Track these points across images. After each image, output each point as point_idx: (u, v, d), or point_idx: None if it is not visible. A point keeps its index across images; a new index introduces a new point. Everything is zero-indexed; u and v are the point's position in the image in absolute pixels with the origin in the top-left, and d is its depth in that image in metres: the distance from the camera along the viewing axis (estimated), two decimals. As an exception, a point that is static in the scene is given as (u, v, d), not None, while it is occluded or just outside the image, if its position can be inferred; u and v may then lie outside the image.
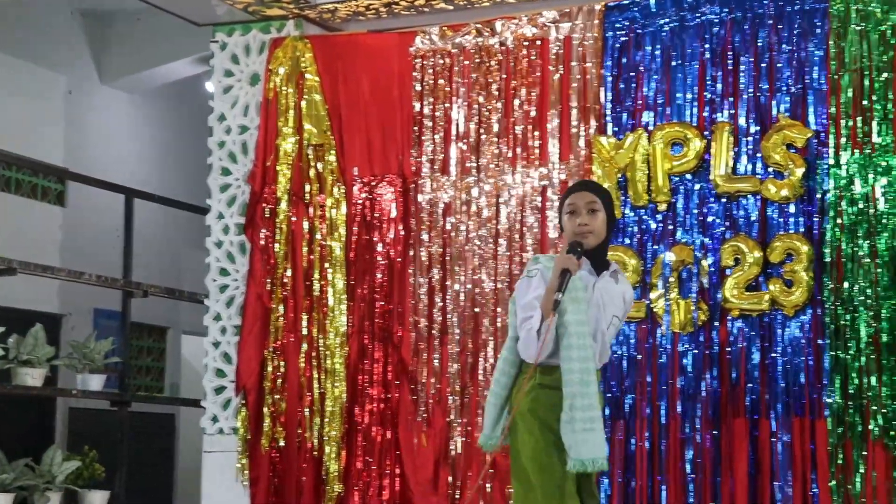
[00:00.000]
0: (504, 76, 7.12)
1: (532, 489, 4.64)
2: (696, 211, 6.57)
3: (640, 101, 6.79)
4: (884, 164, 6.18)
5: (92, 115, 10.43)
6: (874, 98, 6.24)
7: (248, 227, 7.57)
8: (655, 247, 6.63)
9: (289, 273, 7.45)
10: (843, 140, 6.27)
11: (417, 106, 7.30)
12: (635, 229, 6.69)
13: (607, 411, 6.56)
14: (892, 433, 6.02)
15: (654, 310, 6.56)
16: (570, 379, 4.59)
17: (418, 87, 7.31)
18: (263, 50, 7.69)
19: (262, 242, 7.50)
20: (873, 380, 6.07)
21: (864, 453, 6.07)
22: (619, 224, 6.70)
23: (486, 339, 6.99)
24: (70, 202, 10.19)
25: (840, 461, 6.11)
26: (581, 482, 4.68)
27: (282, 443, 7.37)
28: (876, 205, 6.17)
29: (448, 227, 7.17)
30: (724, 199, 6.51)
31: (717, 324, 6.44)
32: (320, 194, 7.45)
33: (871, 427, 6.06)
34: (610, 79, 6.86)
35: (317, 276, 7.40)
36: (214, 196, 7.74)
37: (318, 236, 7.42)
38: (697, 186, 6.59)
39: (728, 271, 6.41)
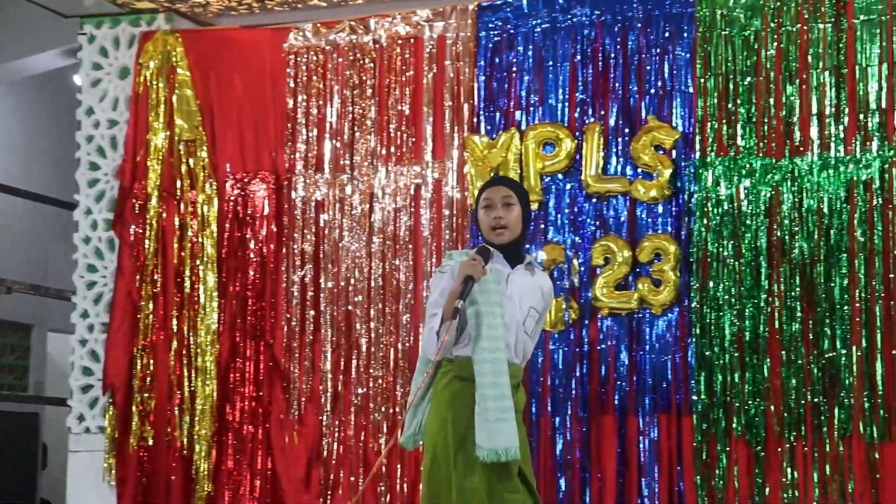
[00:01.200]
0: (378, 74, 7.13)
1: (437, 466, 4.63)
2: (567, 210, 6.65)
3: (512, 101, 6.86)
4: (747, 166, 6.34)
5: (-45, 106, 10.16)
6: (738, 102, 6.40)
7: (116, 223, 7.45)
8: (527, 246, 6.68)
9: (159, 270, 7.35)
10: (709, 142, 6.41)
11: (291, 103, 7.26)
12: (507, 228, 6.74)
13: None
14: (754, 430, 6.19)
15: (526, 308, 6.61)
16: (481, 370, 4.57)
17: (292, 84, 7.27)
18: (133, 43, 7.57)
19: (132, 239, 7.39)
20: (736, 377, 6.23)
21: (728, 450, 6.23)
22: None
23: (359, 337, 6.99)
24: (-69, 196, 9.91)
25: (705, 457, 6.26)
26: (498, 476, 4.58)
27: (150, 442, 7.28)
28: (740, 206, 6.33)
29: (321, 224, 7.15)
30: (594, 199, 6.61)
31: (587, 322, 6.54)
32: (192, 190, 7.37)
33: (734, 424, 6.22)
34: (483, 78, 6.91)
35: (188, 273, 7.32)
36: (82, 191, 7.60)
37: (190, 233, 7.34)
38: (569, 186, 6.67)
39: (598, 270, 6.52)
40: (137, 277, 7.37)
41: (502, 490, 4.54)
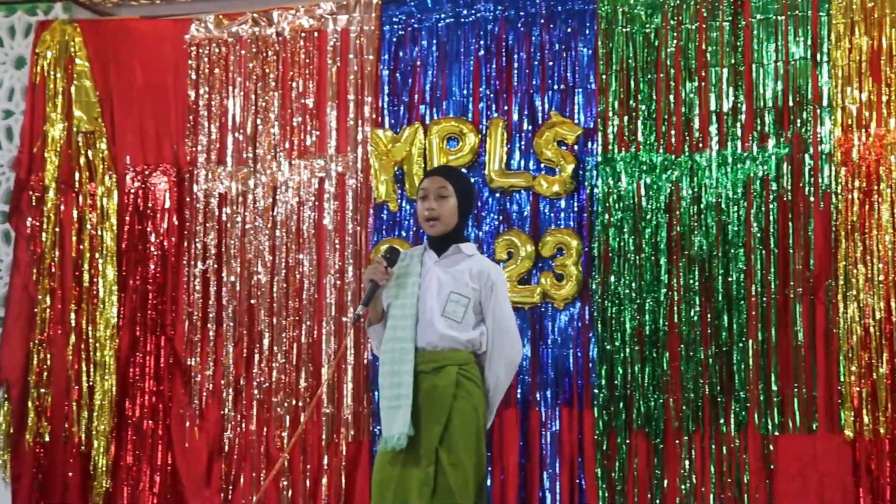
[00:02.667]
0: (281, 67, 7.09)
1: None
2: (470, 205, 6.68)
3: (416, 96, 6.87)
4: (648, 162, 6.43)
5: None
6: (640, 98, 6.48)
7: (12, 215, 7.32)
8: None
9: (57, 263, 7.24)
10: (610, 138, 6.49)
11: (193, 95, 7.19)
12: (411, 222, 6.76)
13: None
14: (653, 423, 6.29)
15: (429, 302, 6.64)
16: (381, 360, 4.69)
17: (193, 76, 7.20)
18: (30, 32, 7.44)
19: (29, 232, 7.27)
20: (636, 370, 6.32)
21: (628, 442, 6.32)
22: (395, 217, 6.76)
23: (262, 332, 6.95)
24: None
25: (605, 449, 6.34)
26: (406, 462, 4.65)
27: (47, 438, 7.18)
28: (640, 202, 6.42)
29: (224, 218, 7.10)
30: (498, 194, 6.65)
31: (490, 316, 6.57)
32: (91, 183, 7.26)
33: (634, 417, 6.31)
34: (387, 72, 6.91)
35: (87, 266, 7.22)
36: (-23, 183, 7.47)
37: (89, 226, 7.24)
38: (472, 180, 6.69)
39: (501, 265, 6.56)
40: (34, 271, 7.26)
41: (394, 476, 4.62)
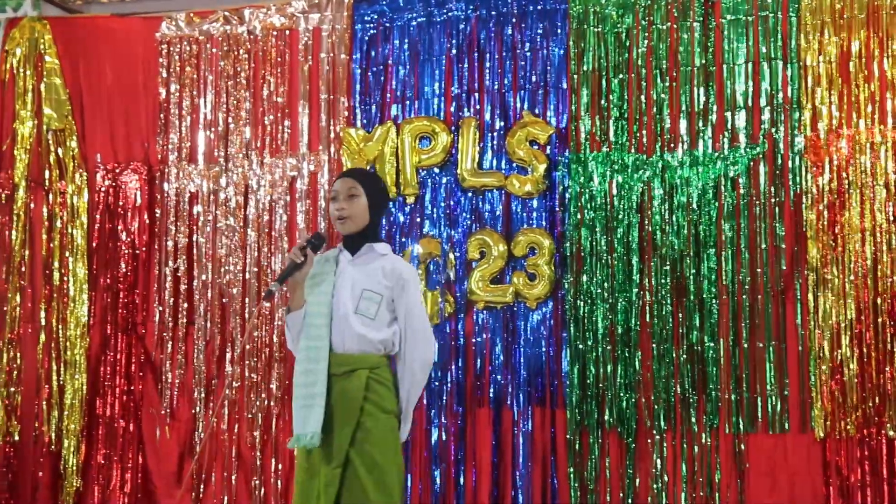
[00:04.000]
0: (253, 65, 7.07)
1: None
2: (443, 204, 6.69)
3: (388, 94, 6.87)
4: (620, 161, 6.45)
5: None
6: (612, 98, 6.50)
7: (-19, 213, 7.29)
8: (403, 239, 6.73)
9: (26, 261, 7.20)
10: (582, 137, 6.51)
11: (164, 93, 7.17)
12: (384, 221, 6.76)
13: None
14: (625, 422, 6.31)
15: (402, 301, 6.64)
16: (297, 358, 4.77)
17: (164, 74, 7.17)
18: (-1, 29, 7.40)
19: (-3, 230, 7.24)
20: (609, 370, 6.35)
21: (600, 441, 6.35)
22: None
23: (233, 330, 6.94)
24: None
25: (578, 449, 6.37)
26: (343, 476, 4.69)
27: (17, 437, 7.14)
28: (612, 201, 6.44)
29: (195, 216, 7.08)
30: (470, 193, 6.66)
31: (462, 315, 6.59)
32: (61, 181, 7.23)
33: (606, 416, 6.34)
34: (359, 71, 6.91)
35: (57, 264, 7.19)
36: (-54, 180, 7.42)
37: (59, 224, 7.20)
38: (445, 180, 6.71)
39: (474, 264, 6.57)
40: (3, 269, 7.22)
41: (311, 481, 4.70)
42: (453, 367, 6.57)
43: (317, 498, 4.65)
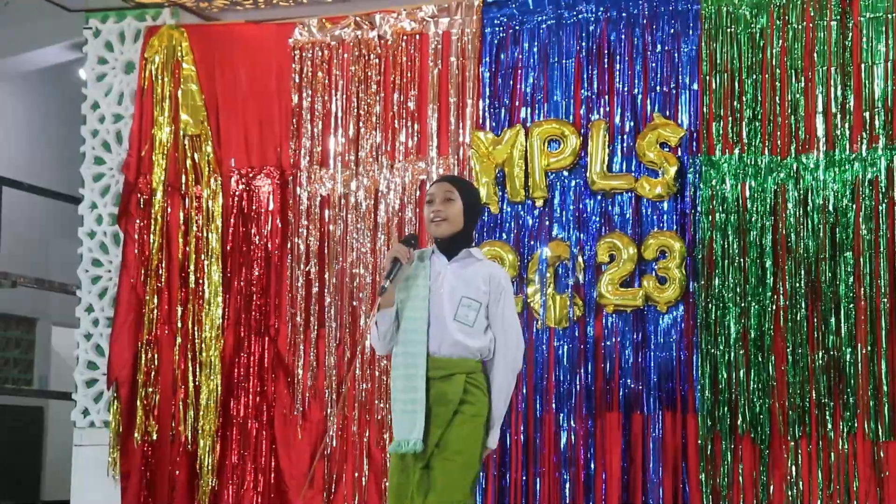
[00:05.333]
0: (383, 70, 7.12)
1: None
2: (572, 207, 6.66)
3: (517, 98, 6.85)
4: (753, 163, 6.34)
5: (-41, 100, 10.16)
6: (744, 99, 6.39)
7: (121, 217, 7.46)
8: (532, 242, 6.71)
9: (164, 264, 7.35)
10: (714, 140, 6.41)
11: (296, 98, 7.26)
12: (512, 225, 6.75)
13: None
14: (759, 428, 6.19)
15: (531, 305, 6.63)
16: (394, 363, 4.82)
17: (297, 79, 7.27)
18: (138, 38, 7.58)
19: (136, 233, 7.40)
20: (741, 375, 6.23)
21: (733, 447, 6.23)
22: (496, 220, 6.76)
23: (364, 333, 6.99)
24: (-65, 189, 9.90)
25: (710, 454, 6.26)
26: (429, 473, 4.76)
27: (154, 436, 7.29)
28: (745, 204, 6.33)
29: (326, 220, 7.16)
30: (599, 196, 6.61)
31: (591, 319, 6.54)
32: (196, 185, 7.37)
33: (739, 421, 6.22)
34: (488, 75, 6.91)
35: (192, 267, 7.32)
36: (87, 185, 7.62)
37: (195, 228, 7.35)
38: (574, 183, 6.67)
39: (603, 267, 6.52)
40: (142, 272, 7.38)
41: (407, 481, 4.75)
42: (582, 370, 6.52)
43: (411, 498, 4.72)
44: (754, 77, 6.39)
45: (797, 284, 6.19)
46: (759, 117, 6.36)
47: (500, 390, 4.85)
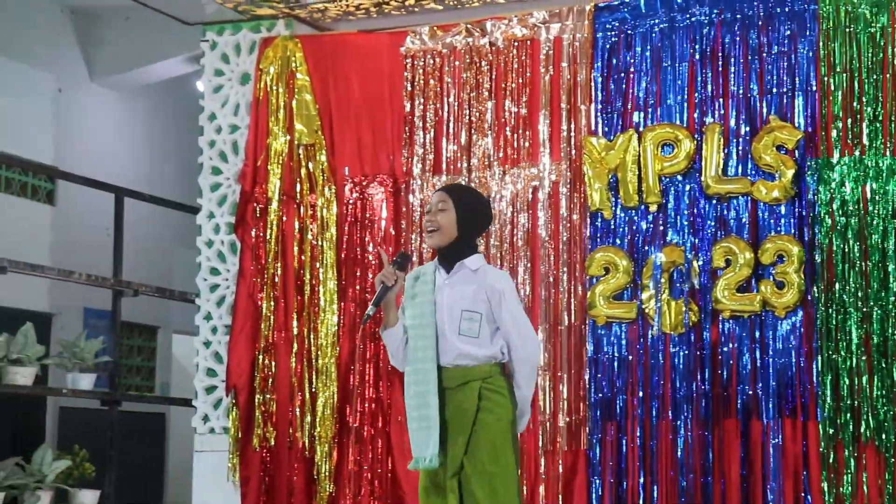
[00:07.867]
0: (494, 76, 7.12)
1: None
2: (686, 212, 6.58)
3: (630, 102, 6.80)
4: (874, 165, 6.20)
5: (82, 113, 10.39)
6: (864, 100, 6.26)
7: (238, 226, 7.56)
8: (646, 247, 6.64)
9: (279, 272, 7.44)
10: (833, 142, 6.28)
11: (408, 106, 7.29)
12: (626, 230, 6.70)
13: (598, 412, 6.59)
14: (883, 435, 6.05)
15: (646, 310, 6.57)
16: (406, 381, 4.90)
17: (409, 87, 7.31)
18: (253, 49, 7.68)
19: (253, 242, 7.50)
20: (864, 381, 6.09)
21: (856, 455, 6.10)
22: (609, 225, 6.71)
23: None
24: (60, 201, 10.17)
25: (832, 462, 6.13)
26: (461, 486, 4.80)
27: (273, 442, 7.36)
28: (866, 207, 6.19)
29: (439, 227, 7.16)
30: (714, 201, 6.53)
31: (708, 325, 6.45)
32: (311, 194, 7.44)
33: (862, 429, 6.08)
34: (600, 79, 6.87)
35: (308, 275, 7.39)
36: (205, 195, 7.73)
37: (309, 236, 7.42)
38: (688, 187, 6.60)
39: (719, 272, 6.43)
40: (258, 280, 7.47)
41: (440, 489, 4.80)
42: (699, 376, 6.44)
43: None
44: (875, 77, 6.25)
45: (921, 288, 6.04)
46: (881, 118, 6.22)
47: (521, 387, 4.89)
